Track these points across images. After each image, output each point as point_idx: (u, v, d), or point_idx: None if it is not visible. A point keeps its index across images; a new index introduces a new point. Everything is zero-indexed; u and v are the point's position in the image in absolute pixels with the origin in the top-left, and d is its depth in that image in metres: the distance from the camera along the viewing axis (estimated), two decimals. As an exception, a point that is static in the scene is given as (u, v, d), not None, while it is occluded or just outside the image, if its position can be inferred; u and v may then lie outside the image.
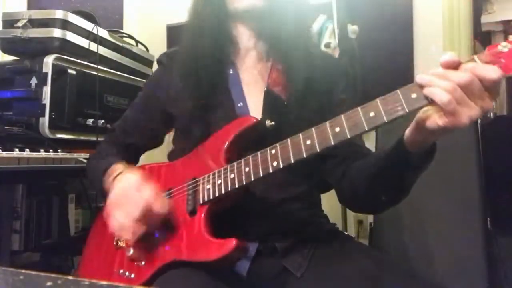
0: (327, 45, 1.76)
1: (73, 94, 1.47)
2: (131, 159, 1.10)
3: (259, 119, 0.91)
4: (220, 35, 0.99)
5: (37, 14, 1.50)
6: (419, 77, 0.65)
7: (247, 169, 0.81)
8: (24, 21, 1.46)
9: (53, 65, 1.42)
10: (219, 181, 0.84)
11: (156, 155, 1.22)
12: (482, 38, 2.83)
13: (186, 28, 1.04)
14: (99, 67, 1.61)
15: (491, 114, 2.16)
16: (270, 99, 0.95)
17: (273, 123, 0.92)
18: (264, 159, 0.79)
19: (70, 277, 0.38)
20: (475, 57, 0.65)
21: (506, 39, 0.67)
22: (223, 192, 0.83)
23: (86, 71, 1.56)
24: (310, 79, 0.94)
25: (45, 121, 1.39)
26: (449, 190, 1.61)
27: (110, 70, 1.72)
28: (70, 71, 1.46)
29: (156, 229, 0.89)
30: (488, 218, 1.57)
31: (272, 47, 0.99)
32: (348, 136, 0.70)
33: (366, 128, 0.68)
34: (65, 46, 1.50)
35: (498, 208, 1.68)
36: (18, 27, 1.46)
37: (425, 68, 1.90)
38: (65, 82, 1.45)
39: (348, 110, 0.71)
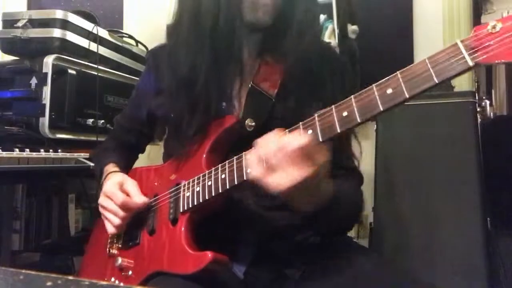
0: (327, 45, 1.76)
1: (73, 94, 1.47)
2: (131, 155, 1.13)
3: (239, 119, 0.87)
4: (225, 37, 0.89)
5: (37, 14, 1.50)
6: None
7: (223, 176, 0.76)
8: (24, 21, 1.46)
9: (53, 65, 1.42)
10: (198, 189, 0.80)
11: (156, 155, 1.22)
12: (482, 38, 2.83)
13: (180, 24, 1.01)
14: (99, 67, 1.61)
15: (491, 114, 2.15)
16: (254, 97, 0.90)
17: (253, 123, 0.87)
18: (239, 165, 0.74)
19: (70, 277, 0.38)
20: (458, 41, 0.57)
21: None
22: (201, 200, 0.79)
23: (86, 71, 1.56)
24: (305, 68, 0.88)
25: (45, 121, 1.39)
26: (449, 190, 1.61)
27: (110, 70, 1.72)
28: (70, 71, 1.46)
29: (140, 233, 0.90)
30: (488, 218, 1.57)
31: (264, 38, 0.92)
32: (321, 140, 0.66)
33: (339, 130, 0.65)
34: (65, 46, 1.50)
35: (498, 208, 1.68)
36: (18, 27, 1.46)
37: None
38: (65, 82, 1.45)
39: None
